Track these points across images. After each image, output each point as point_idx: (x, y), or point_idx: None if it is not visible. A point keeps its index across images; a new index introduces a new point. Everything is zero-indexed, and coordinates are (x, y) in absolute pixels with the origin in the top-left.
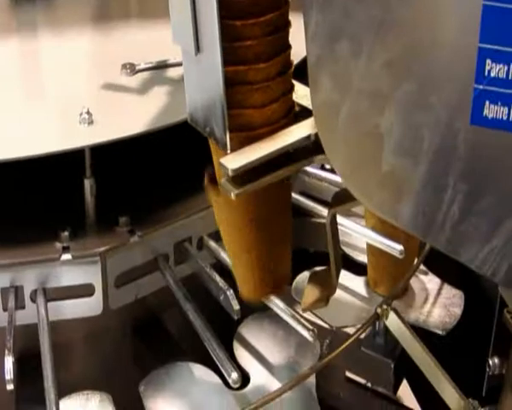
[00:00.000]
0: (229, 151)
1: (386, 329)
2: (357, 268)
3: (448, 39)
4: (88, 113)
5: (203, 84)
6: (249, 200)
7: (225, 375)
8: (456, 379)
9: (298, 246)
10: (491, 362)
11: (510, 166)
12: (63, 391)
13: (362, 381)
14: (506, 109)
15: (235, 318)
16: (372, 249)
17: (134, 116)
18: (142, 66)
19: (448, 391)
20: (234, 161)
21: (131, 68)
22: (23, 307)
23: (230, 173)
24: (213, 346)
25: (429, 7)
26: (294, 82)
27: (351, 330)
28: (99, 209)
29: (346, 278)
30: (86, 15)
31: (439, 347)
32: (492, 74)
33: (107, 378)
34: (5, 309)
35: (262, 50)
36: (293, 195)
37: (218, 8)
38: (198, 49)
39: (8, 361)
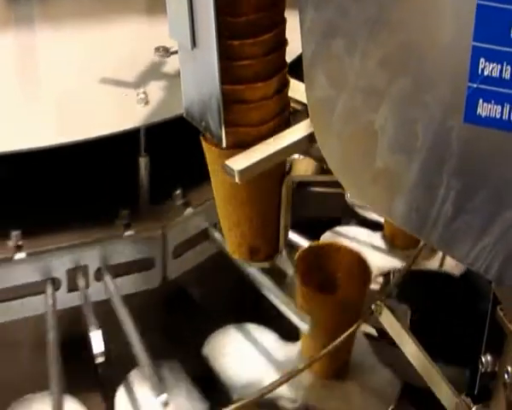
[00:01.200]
0: (224, 146)
1: None
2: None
3: (442, 38)
4: (144, 93)
5: (199, 78)
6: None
7: (296, 324)
8: (450, 376)
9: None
10: (483, 360)
11: (503, 164)
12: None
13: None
14: (499, 108)
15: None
16: None
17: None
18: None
19: (441, 388)
20: (239, 163)
21: (165, 51)
22: (88, 287)
23: (237, 176)
24: (285, 300)
25: (423, 6)
26: (291, 79)
27: None
28: (153, 186)
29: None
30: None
31: (432, 343)
32: (486, 73)
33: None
34: (71, 290)
35: (260, 70)
36: None
37: (214, 4)
38: (194, 44)
39: (98, 334)
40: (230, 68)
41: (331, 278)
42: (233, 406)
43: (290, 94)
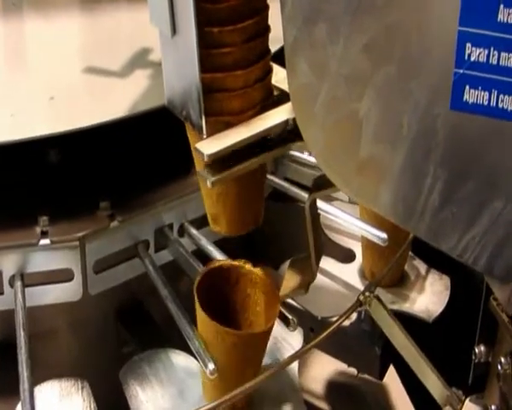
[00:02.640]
0: (205, 135)
1: None
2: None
3: (427, 23)
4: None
5: (179, 67)
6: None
7: (201, 365)
8: (442, 368)
9: (284, 231)
10: (477, 350)
11: (491, 153)
12: (41, 378)
13: None
14: (487, 94)
15: None
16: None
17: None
18: None
19: (432, 380)
20: (210, 146)
21: None
22: (2, 293)
23: (206, 159)
24: (190, 335)
25: None
26: (274, 65)
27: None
28: (79, 194)
29: (331, 265)
30: None
31: (423, 335)
32: (473, 58)
33: (87, 365)
34: None
35: (240, 57)
36: (278, 180)
37: None
38: (174, 31)
39: None
40: (210, 56)
41: (236, 304)
42: None
43: (274, 82)
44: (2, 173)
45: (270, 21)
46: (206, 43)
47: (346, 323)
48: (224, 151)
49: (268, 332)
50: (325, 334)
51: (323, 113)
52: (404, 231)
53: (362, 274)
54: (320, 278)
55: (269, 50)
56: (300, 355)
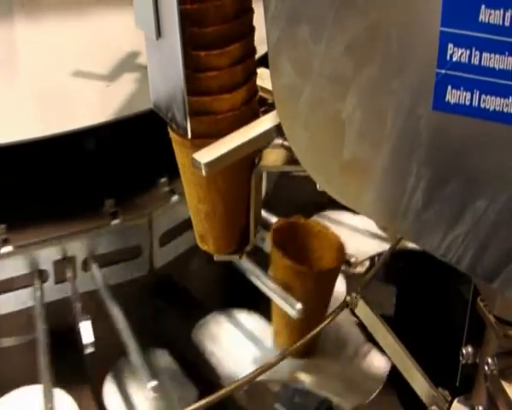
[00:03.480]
0: (189, 137)
1: None
2: None
3: (410, 23)
4: None
5: (164, 69)
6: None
7: (288, 305)
8: (429, 369)
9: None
10: (464, 351)
11: (473, 153)
12: None
13: None
14: (469, 94)
15: None
16: None
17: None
18: None
19: (418, 381)
20: (206, 155)
21: None
22: (75, 277)
23: (203, 169)
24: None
25: None
26: (262, 69)
27: None
28: (139, 174)
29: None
30: None
31: (409, 336)
32: (454, 59)
33: None
34: (59, 281)
35: (227, 80)
36: None
37: None
38: (159, 33)
39: (87, 325)
40: (197, 80)
41: (305, 255)
42: (220, 392)
43: (259, 83)
44: (63, 165)
45: (256, 23)
46: (192, 67)
47: None
48: (221, 159)
49: (338, 269)
50: (316, 331)
51: (307, 113)
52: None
53: None
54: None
55: (255, 72)
56: (293, 350)
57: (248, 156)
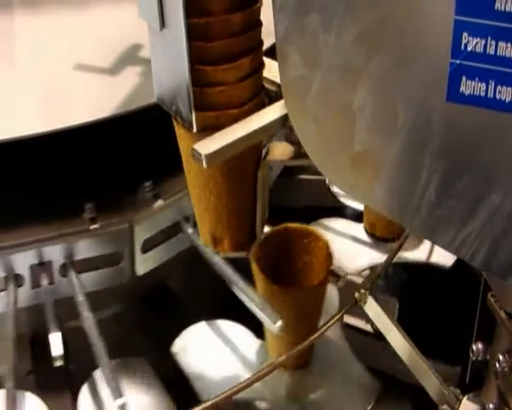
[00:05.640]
0: (195, 130)
1: None
2: None
3: (423, 11)
4: None
5: (168, 61)
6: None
7: (268, 320)
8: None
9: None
10: (474, 348)
11: (487, 145)
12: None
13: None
14: (484, 85)
15: None
16: None
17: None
18: None
19: (429, 379)
20: (207, 146)
21: None
22: (52, 283)
23: (204, 160)
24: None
25: None
26: (267, 59)
27: None
28: (120, 178)
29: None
30: None
31: (418, 332)
32: (469, 48)
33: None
34: (35, 286)
35: (234, 96)
36: None
37: None
38: (163, 24)
39: (57, 337)
40: (203, 95)
41: (293, 263)
42: (201, 406)
43: (267, 75)
44: (41, 166)
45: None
46: (199, 82)
47: None
48: (222, 151)
49: (323, 283)
50: (323, 330)
51: (316, 105)
52: None
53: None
54: None
55: (262, 87)
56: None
57: (253, 150)
